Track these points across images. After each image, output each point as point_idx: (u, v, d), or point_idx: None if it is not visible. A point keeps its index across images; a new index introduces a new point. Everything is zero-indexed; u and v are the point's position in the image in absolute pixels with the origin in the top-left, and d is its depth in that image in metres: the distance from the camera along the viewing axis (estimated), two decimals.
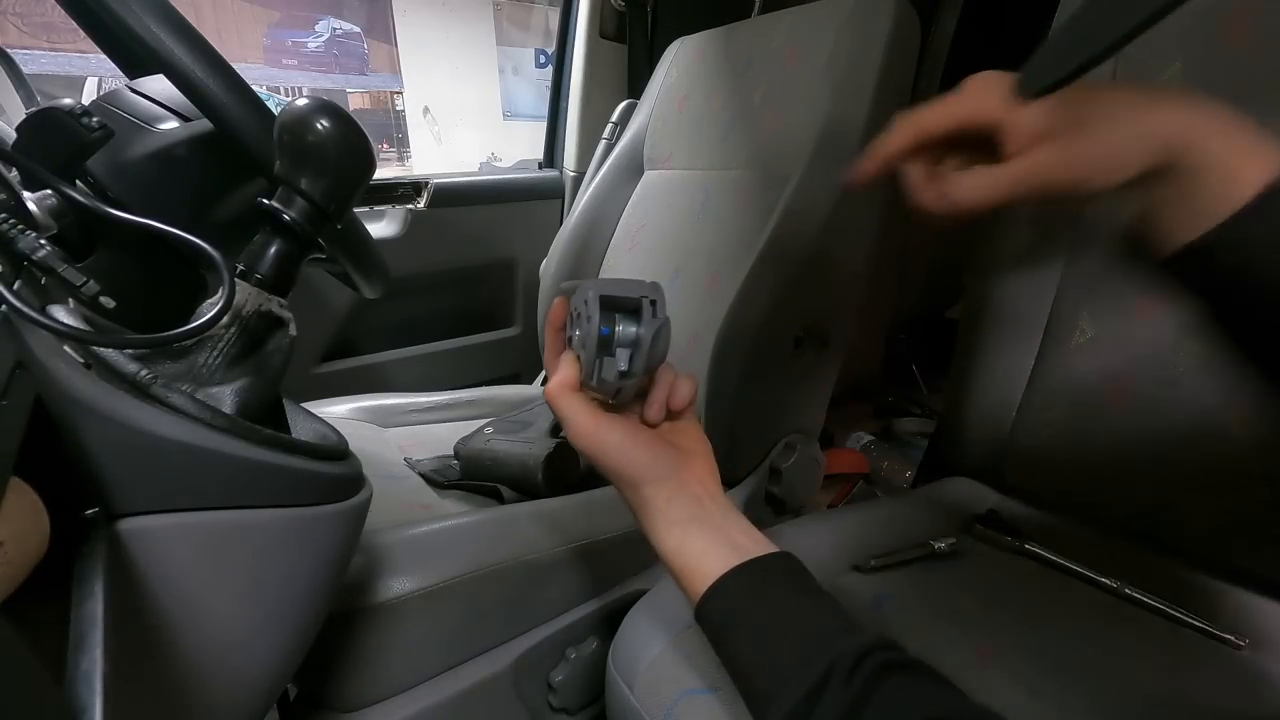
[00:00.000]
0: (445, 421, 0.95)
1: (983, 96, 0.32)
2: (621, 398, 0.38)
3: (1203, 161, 0.28)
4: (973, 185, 0.32)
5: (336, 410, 0.90)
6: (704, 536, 0.36)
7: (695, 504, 0.37)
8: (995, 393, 0.63)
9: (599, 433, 0.37)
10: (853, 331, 0.85)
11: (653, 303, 0.35)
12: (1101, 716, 0.40)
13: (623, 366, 0.35)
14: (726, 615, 0.34)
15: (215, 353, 0.37)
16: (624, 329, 0.35)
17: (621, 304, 0.36)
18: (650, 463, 0.37)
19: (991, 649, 0.45)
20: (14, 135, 0.41)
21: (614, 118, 1.22)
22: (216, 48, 0.41)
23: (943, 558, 0.55)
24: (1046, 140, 0.30)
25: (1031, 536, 0.55)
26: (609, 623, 0.65)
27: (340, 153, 0.39)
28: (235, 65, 0.41)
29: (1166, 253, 0.31)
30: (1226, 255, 0.29)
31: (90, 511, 0.27)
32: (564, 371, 0.38)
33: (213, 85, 0.40)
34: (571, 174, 1.31)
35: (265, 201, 0.39)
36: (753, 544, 0.36)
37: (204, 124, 0.47)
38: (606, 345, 0.35)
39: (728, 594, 0.34)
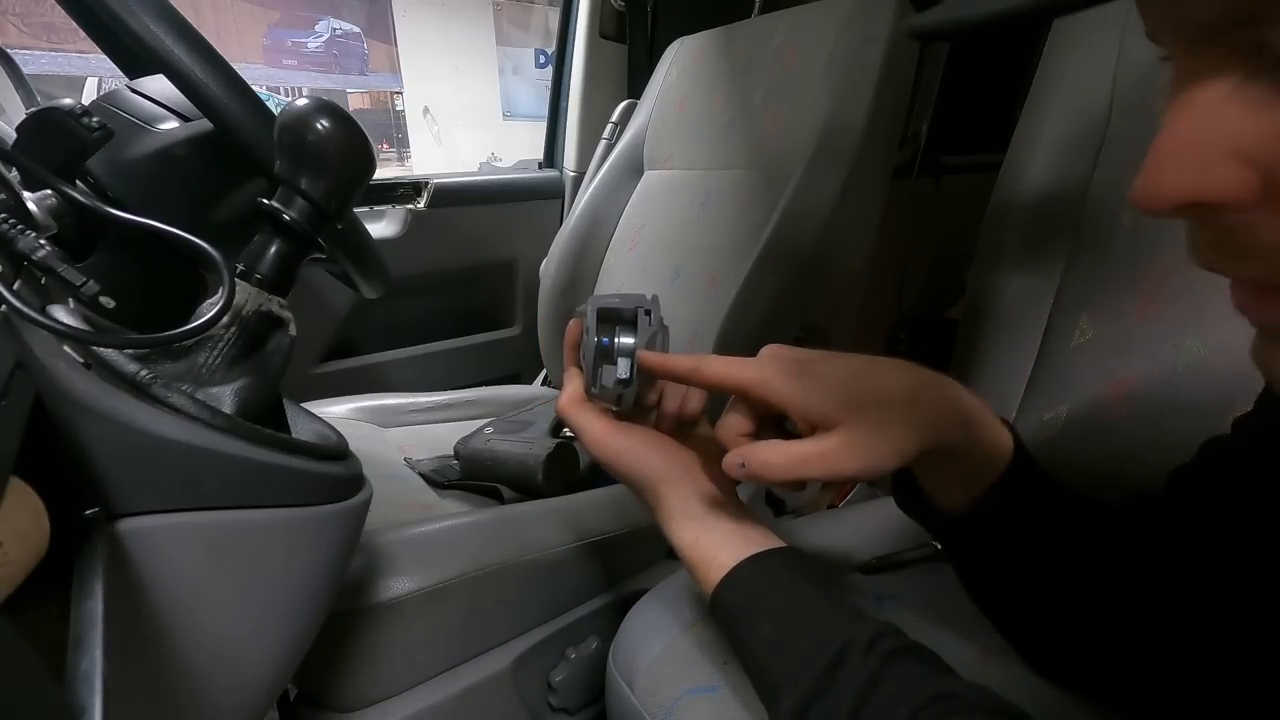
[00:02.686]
0: (445, 421, 0.95)
1: (762, 375, 0.34)
2: (624, 404, 0.39)
3: (964, 445, 0.33)
4: (764, 462, 0.32)
5: (336, 410, 0.90)
6: (719, 530, 0.37)
7: (710, 501, 0.38)
8: (995, 393, 0.63)
9: (611, 440, 0.39)
10: (853, 331, 0.85)
11: (647, 312, 0.38)
12: (1102, 715, 0.40)
13: (622, 374, 0.37)
14: (741, 602, 0.35)
15: (215, 353, 0.37)
16: (622, 339, 0.38)
17: (619, 315, 0.38)
18: (664, 465, 0.39)
19: (992, 649, 0.45)
20: (14, 135, 0.41)
21: (614, 118, 1.22)
22: (216, 48, 0.41)
23: (945, 558, 0.55)
24: (830, 427, 0.32)
25: None
26: (609, 623, 0.65)
27: (340, 153, 0.39)
28: (235, 65, 0.41)
29: (942, 515, 0.36)
30: (994, 515, 0.35)
31: (90, 511, 0.27)
32: (570, 386, 0.40)
33: (213, 85, 0.40)
34: (571, 174, 1.31)
35: (265, 201, 0.39)
36: (765, 539, 0.37)
37: (204, 124, 0.47)
38: (607, 355, 0.38)
39: (742, 581, 0.35)
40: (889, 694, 0.28)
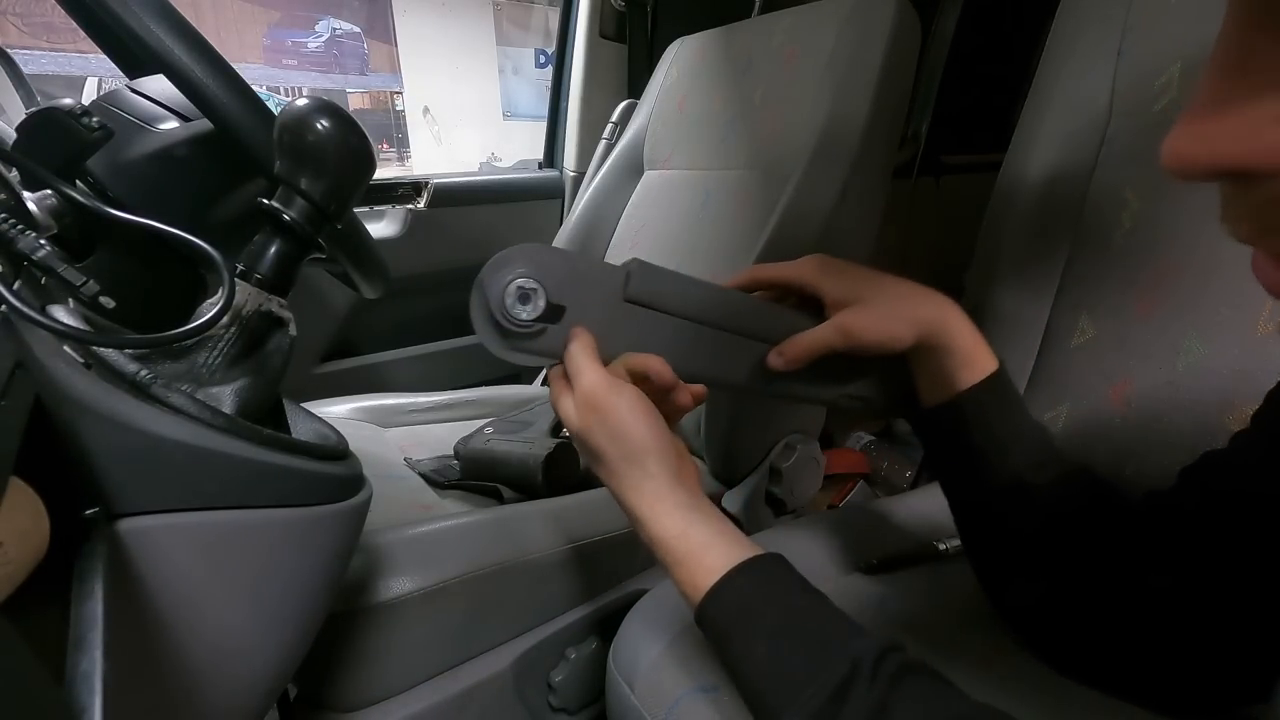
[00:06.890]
0: (445, 421, 0.95)
1: (803, 268, 0.43)
2: (539, 345, 0.40)
3: (949, 345, 0.40)
4: (800, 345, 0.41)
5: (336, 410, 0.90)
6: (707, 527, 0.36)
7: (693, 495, 0.37)
8: None
9: (610, 393, 0.37)
10: None
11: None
12: (1103, 715, 0.40)
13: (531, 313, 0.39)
14: (733, 617, 0.33)
15: (215, 353, 0.37)
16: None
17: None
18: (658, 431, 0.37)
19: (995, 649, 0.45)
20: (14, 135, 0.41)
21: (614, 118, 1.22)
22: (216, 48, 0.41)
23: (947, 559, 0.55)
24: (843, 308, 0.41)
25: None
26: (609, 623, 0.65)
27: (340, 153, 0.39)
28: (235, 65, 0.41)
29: (917, 409, 0.43)
30: (953, 419, 0.41)
31: (90, 511, 0.27)
32: (580, 339, 0.40)
33: (213, 85, 0.40)
34: (571, 174, 1.31)
35: (265, 201, 0.39)
36: (747, 543, 0.36)
37: (204, 124, 0.47)
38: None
39: (734, 592, 0.34)
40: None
